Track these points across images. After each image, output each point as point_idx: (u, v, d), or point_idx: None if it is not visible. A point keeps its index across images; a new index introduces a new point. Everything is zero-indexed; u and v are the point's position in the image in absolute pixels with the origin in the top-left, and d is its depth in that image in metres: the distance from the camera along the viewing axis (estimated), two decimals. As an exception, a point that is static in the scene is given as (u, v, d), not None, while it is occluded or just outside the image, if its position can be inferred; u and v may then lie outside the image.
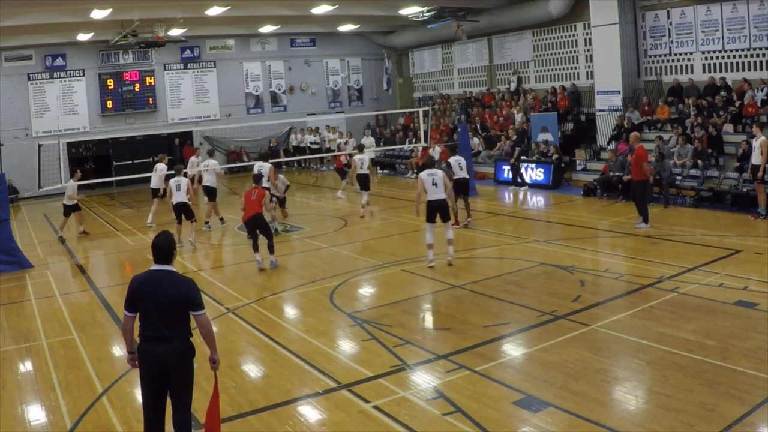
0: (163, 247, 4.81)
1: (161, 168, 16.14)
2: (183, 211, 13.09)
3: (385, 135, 26.74)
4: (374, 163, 24.42)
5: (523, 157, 19.13)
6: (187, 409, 4.83)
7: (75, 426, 5.81)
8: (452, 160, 13.53)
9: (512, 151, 19.36)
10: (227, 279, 10.93)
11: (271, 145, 26.13)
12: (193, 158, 18.54)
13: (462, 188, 13.19)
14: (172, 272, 4.79)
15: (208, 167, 15.66)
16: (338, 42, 29.28)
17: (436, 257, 10.54)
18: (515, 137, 19.95)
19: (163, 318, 4.66)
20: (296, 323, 8.59)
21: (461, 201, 13.34)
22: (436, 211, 10.37)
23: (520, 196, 17.75)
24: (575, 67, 21.78)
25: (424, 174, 10.47)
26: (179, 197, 12.98)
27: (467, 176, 13.53)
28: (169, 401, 4.85)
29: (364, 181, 15.66)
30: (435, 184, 10.32)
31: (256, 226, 10.99)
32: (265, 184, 12.42)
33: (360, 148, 16.83)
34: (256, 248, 11.10)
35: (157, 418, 4.79)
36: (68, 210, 14.93)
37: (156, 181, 16.05)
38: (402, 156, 24.35)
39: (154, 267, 4.81)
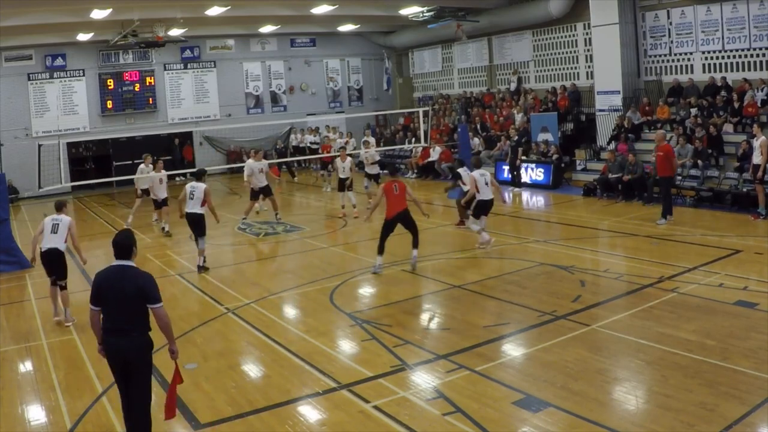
0: (123, 244, 5.02)
1: (143, 168, 15.57)
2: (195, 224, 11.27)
3: (386, 135, 26.74)
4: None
5: (523, 157, 19.13)
6: (142, 405, 4.96)
7: (75, 426, 5.81)
8: (463, 171, 12.94)
9: (515, 151, 19.31)
10: (227, 279, 10.92)
11: (278, 146, 26.26)
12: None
13: (485, 210, 13.07)
14: (130, 267, 5.00)
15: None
16: (338, 42, 29.28)
17: (436, 258, 10.52)
18: (516, 138, 19.94)
19: (122, 311, 4.87)
20: (296, 323, 8.59)
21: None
22: (486, 209, 11.46)
23: (519, 196, 17.74)
24: (575, 67, 21.78)
25: (477, 174, 11.37)
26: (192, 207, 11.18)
27: (491, 197, 13.72)
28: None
29: (342, 184, 15.80)
30: (487, 184, 11.27)
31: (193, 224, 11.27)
32: (199, 210, 11.03)
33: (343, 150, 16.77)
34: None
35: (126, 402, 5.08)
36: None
37: (143, 180, 15.70)
38: (402, 156, 24.36)
39: (115, 263, 5.01)
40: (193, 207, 11.08)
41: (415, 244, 10.39)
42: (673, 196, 14.72)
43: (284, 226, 14.75)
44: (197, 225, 11.17)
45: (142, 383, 4.97)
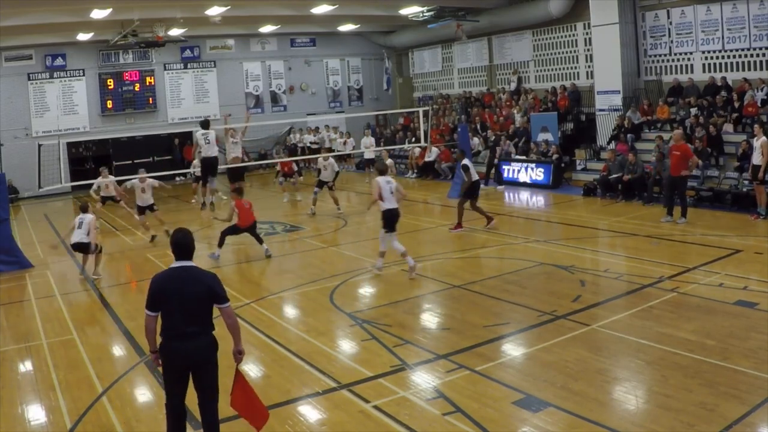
0: (184, 243, 4.81)
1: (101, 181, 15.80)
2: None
3: (386, 135, 26.75)
4: (375, 163, 24.48)
5: (522, 157, 19.18)
6: (214, 396, 4.87)
7: (75, 426, 5.81)
8: (468, 162, 13.30)
9: (493, 151, 19.40)
10: (227, 279, 10.91)
11: (289, 143, 26.46)
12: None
13: (475, 191, 13.23)
14: (194, 267, 4.81)
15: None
16: (338, 42, 29.28)
17: (436, 258, 10.52)
18: (494, 138, 20.17)
19: (189, 315, 4.67)
20: (296, 323, 8.59)
21: (468, 204, 13.23)
22: (394, 219, 10.17)
23: (517, 195, 17.76)
24: (575, 67, 21.78)
25: (382, 181, 10.13)
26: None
27: (479, 178, 13.72)
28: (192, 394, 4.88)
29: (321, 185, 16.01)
30: (392, 192, 10.09)
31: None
32: (79, 237, 10.96)
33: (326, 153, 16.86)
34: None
35: (180, 404, 4.86)
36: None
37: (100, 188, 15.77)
38: (402, 156, 24.37)
39: (176, 264, 4.79)
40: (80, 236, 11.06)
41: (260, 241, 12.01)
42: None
43: (284, 226, 14.75)
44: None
45: (214, 384, 4.83)
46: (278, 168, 20.07)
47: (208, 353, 4.77)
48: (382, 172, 10.54)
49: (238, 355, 4.96)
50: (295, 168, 20.09)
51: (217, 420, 4.92)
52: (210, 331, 4.79)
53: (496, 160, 19.61)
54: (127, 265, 12.30)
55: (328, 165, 16.43)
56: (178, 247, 4.80)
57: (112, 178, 15.76)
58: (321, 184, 16.48)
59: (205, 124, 14.45)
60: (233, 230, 11.98)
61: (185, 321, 4.66)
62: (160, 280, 4.78)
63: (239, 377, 4.99)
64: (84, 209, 11.23)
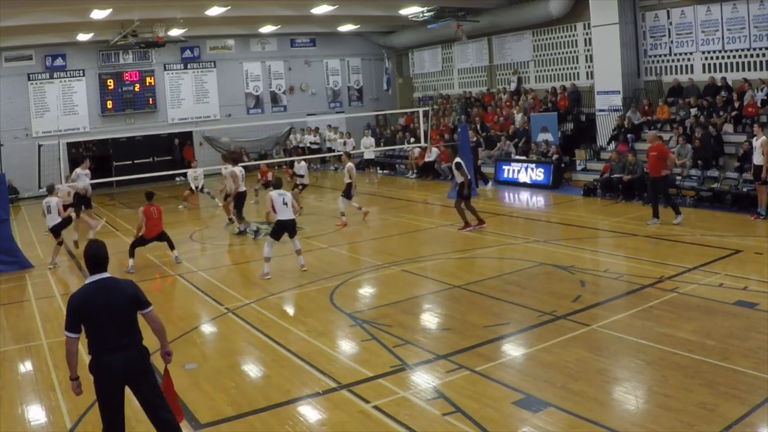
0: (98, 255, 4.68)
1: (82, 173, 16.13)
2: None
3: (386, 135, 26.76)
4: (375, 163, 24.49)
5: (521, 157, 19.18)
6: (165, 406, 4.87)
7: (75, 426, 5.81)
8: (275, 194, 13.09)
9: (475, 152, 19.29)
10: (227, 279, 10.92)
11: (289, 145, 26.54)
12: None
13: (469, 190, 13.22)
14: (112, 278, 4.70)
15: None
16: (338, 42, 29.29)
17: (436, 258, 10.52)
18: (475, 139, 20.21)
19: (119, 326, 4.58)
20: (296, 323, 8.58)
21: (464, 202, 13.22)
22: (285, 230, 10.61)
23: (517, 195, 17.76)
24: (575, 67, 21.78)
25: (275, 194, 10.67)
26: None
27: (470, 177, 13.55)
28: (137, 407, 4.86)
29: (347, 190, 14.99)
30: (285, 204, 10.54)
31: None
32: (53, 221, 12.14)
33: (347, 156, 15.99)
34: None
35: (121, 427, 4.78)
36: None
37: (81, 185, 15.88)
38: (402, 156, 24.38)
39: (94, 278, 4.64)
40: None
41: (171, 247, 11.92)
42: (673, 196, 14.74)
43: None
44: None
45: (157, 391, 4.83)
46: (258, 176, 19.38)
47: (143, 363, 4.72)
48: (276, 186, 11.04)
49: (167, 356, 4.98)
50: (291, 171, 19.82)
51: (177, 423, 4.90)
52: (140, 340, 4.72)
53: (479, 162, 19.70)
54: (126, 263, 12.27)
55: (301, 167, 16.55)
56: (93, 260, 4.65)
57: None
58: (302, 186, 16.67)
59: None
60: (141, 242, 11.63)
61: (118, 333, 4.56)
62: (81, 296, 4.58)
63: (167, 377, 5.11)
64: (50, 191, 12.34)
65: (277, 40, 28.29)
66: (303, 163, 16.95)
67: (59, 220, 12.15)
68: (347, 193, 14.67)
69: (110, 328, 4.55)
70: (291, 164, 23.58)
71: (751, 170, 13.07)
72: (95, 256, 4.66)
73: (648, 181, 13.10)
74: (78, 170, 16.24)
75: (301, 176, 16.91)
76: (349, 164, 14.92)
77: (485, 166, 20.98)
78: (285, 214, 10.53)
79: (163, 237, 11.87)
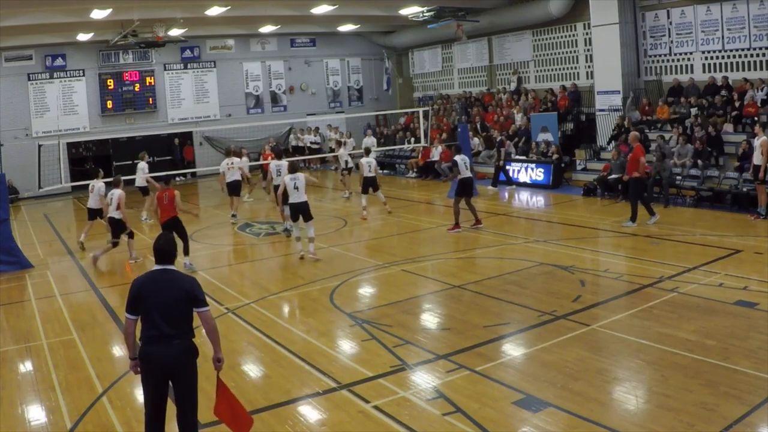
0: (165, 250, 4.84)
1: (143, 167, 16.98)
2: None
3: (386, 135, 26.76)
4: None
5: (521, 157, 19.14)
6: (193, 409, 4.84)
7: (75, 426, 5.81)
8: (458, 158, 13.25)
9: (498, 153, 19.25)
10: (227, 279, 10.92)
11: (291, 144, 26.65)
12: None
13: (467, 188, 13.15)
14: (173, 271, 4.82)
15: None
16: (338, 42, 29.28)
17: (436, 258, 10.52)
18: (499, 139, 20.03)
19: (167, 318, 4.63)
20: (296, 323, 8.59)
21: (463, 202, 13.23)
22: (299, 212, 11.25)
23: (517, 195, 17.76)
24: (575, 67, 21.78)
25: (287, 178, 11.32)
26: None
27: (471, 175, 13.42)
28: (171, 404, 4.84)
29: (371, 184, 15.22)
30: (296, 188, 11.15)
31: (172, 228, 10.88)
32: (112, 213, 12.09)
33: (367, 152, 16.48)
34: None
35: (158, 420, 4.78)
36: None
37: (140, 179, 16.81)
38: (402, 156, 24.36)
39: (157, 267, 4.82)
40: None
41: (186, 251, 11.19)
42: (673, 196, 14.79)
43: (284, 226, 14.70)
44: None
45: (192, 392, 4.79)
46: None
47: (185, 359, 4.71)
48: (291, 170, 11.51)
49: (217, 363, 4.93)
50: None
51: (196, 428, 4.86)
52: (189, 336, 4.74)
53: (501, 161, 18.87)
54: (128, 265, 12.28)
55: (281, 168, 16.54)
56: (160, 253, 4.82)
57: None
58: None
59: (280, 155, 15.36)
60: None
61: (164, 324, 4.62)
62: (141, 281, 4.77)
63: (220, 385, 4.98)
64: (117, 183, 12.30)
65: (277, 40, 28.27)
66: (439, 147, 16.96)
67: (117, 214, 12.00)
68: (374, 187, 15.23)
69: (159, 317, 4.63)
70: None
71: (751, 170, 13.07)
72: (161, 250, 4.84)
73: (650, 180, 13.05)
74: (141, 164, 17.17)
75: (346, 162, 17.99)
76: (372, 160, 15.57)
77: (486, 166, 20.99)
78: (296, 197, 11.16)
79: (175, 226, 10.87)
